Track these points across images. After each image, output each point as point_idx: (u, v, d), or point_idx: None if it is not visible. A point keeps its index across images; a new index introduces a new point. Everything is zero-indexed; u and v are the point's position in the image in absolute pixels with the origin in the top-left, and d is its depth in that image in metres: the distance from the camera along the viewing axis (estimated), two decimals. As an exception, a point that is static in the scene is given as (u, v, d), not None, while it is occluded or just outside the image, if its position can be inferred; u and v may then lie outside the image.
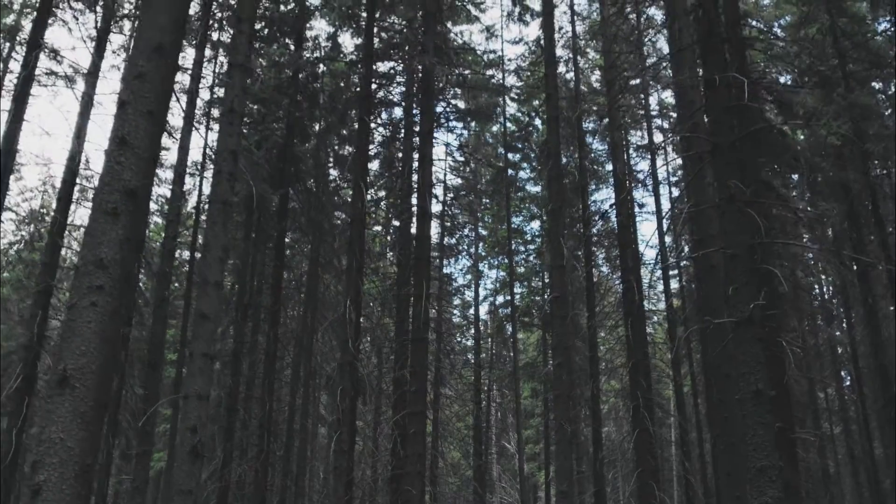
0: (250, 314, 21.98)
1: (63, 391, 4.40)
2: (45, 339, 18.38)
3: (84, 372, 4.47)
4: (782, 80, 22.19)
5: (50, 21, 21.75)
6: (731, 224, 7.98)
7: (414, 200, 18.62)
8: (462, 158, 29.30)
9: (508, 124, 27.71)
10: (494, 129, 28.54)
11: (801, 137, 22.17)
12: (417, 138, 19.65)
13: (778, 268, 18.16)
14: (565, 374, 15.07)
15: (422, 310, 16.28)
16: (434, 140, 18.48)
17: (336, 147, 24.79)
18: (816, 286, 30.47)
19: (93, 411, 4.51)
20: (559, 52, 24.86)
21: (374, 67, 19.74)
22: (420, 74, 19.48)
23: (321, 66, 22.96)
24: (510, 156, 27.96)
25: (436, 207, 23.72)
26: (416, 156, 19.59)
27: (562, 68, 24.48)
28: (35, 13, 22.48)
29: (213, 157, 22.17)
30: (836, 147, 20.43)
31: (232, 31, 12.35)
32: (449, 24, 22.53)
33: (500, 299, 33.20)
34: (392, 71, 22.39)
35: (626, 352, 20.50)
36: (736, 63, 10.49)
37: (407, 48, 20.38)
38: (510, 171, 27.93)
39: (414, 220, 17.90)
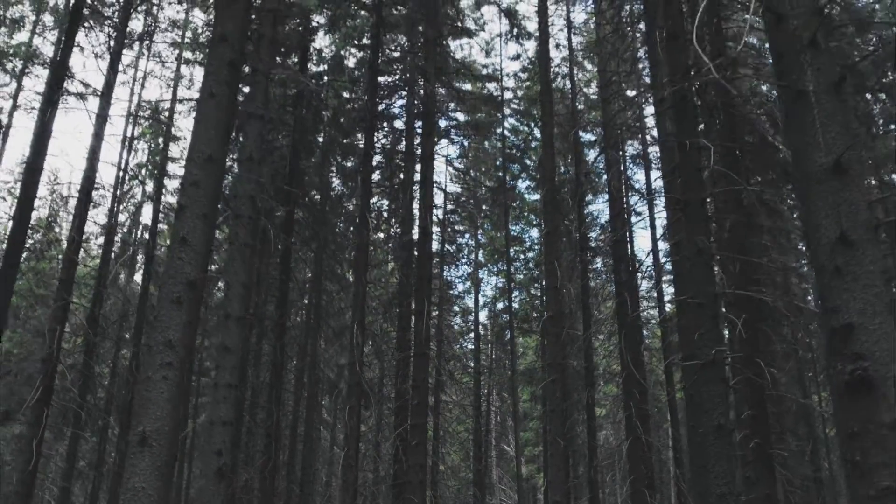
0: (255, 324, 23.19)
1: (143, 449, 5.64)
2: (63, 351, 19.70)
3: (159, 433, 5.72)
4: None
5: (62, 38, 23.00)
6: (698, 275, 9.22)
7: (415, 211, 19.88)
8: (462, 166, 30.61)
9: (508, 133, 28.90)
10: (495, 137, 29.67)
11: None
12: (419, 151, 20.90)
13: (769, 284, 19.32)
14: (559, 391, 16.31)
15: (423, 326, 17.52)
16: (435, 153, 19.73)
17: (339, 158, 25.99)
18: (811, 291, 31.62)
19: (167, 465, 5.75)
20: (557, 66, 26.17)
21: (377, 79, 20.93)
22: (420, 90, 20.62)
23: (325, 77, 24.17)
24: (509, 164, 29.10)
25: (436, 216, 25.03)
26: (417, 167, 20.86)
27: (559, 82, 25.73)
28: (53, 35, 23.76)
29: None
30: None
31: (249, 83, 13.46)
32: (449, 39, 23.72)
33: (500, 305, 34.44)
34: (394, 83, 23.62)
35: (621, 362, 21.67)
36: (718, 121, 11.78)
37: (409, 60, 21.56)
38: (509, 181, 29.11)
39: (416, 230, 19.13)
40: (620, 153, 26.09)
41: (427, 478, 20.12)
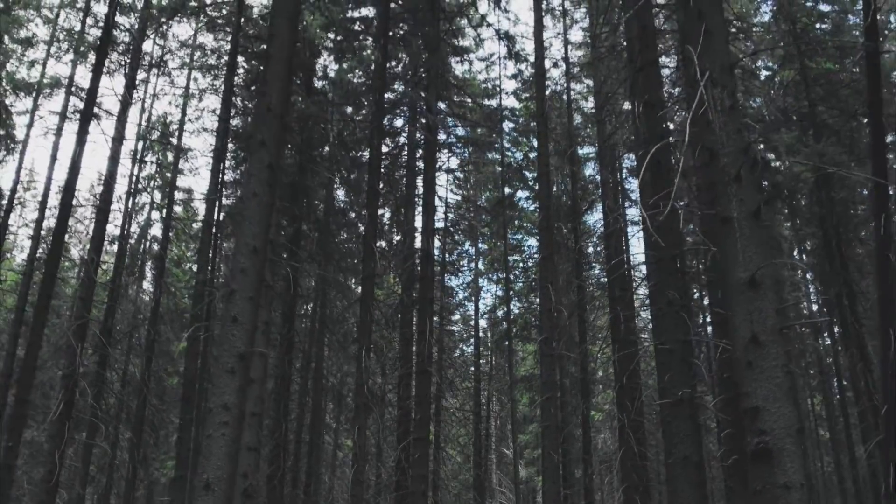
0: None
1: (207, 493, 7.25)
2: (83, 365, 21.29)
3: (219, 480, 7.32)
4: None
5: (77, 60, 24.54)
6: (668, 324, 10.83)
7: (417, 223, 21.38)
8: (462, 176, 32.20)
9: (507, 144, 30.38)
10: (494, 151, 31.13)
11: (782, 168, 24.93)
12: (419, 164, 22.42)
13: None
14: (554, 407, 17.92)
15: (425, 345, 19.11)
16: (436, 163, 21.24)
17: (345, 172, 27.46)
18: (805, 301, 33.37)
19: (226, 506, 7.39)
20: (555, 82, 27.74)
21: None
22: (422, 103, 22.04)
23: (329, 95, 25.64)
24: (508, 177, 30.58)
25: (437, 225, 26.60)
26: (418, 181, 22.38)
27: (556, 98, 27.26)
28: (64, 49, 25.29)
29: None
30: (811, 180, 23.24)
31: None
32: (450, 57, 25.21)
33: (499, 313, 35.99)
34: (397, 99, 25.10)
35: (615, 375, 23.20)
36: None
37: (410, 89, 23.06)
38: (507, 190, 30.60)
39: (417, 239, 20.67)
40: (617, 163, 27.53)
41: (428, 482, 21.66)
